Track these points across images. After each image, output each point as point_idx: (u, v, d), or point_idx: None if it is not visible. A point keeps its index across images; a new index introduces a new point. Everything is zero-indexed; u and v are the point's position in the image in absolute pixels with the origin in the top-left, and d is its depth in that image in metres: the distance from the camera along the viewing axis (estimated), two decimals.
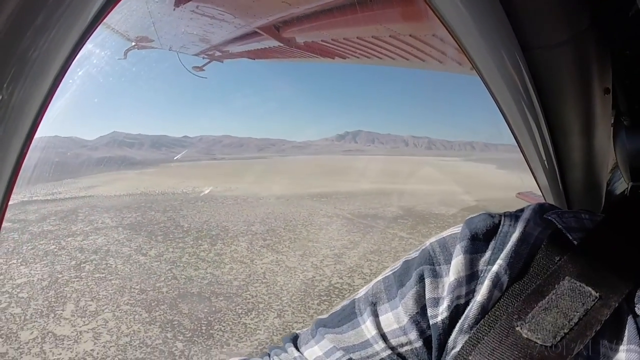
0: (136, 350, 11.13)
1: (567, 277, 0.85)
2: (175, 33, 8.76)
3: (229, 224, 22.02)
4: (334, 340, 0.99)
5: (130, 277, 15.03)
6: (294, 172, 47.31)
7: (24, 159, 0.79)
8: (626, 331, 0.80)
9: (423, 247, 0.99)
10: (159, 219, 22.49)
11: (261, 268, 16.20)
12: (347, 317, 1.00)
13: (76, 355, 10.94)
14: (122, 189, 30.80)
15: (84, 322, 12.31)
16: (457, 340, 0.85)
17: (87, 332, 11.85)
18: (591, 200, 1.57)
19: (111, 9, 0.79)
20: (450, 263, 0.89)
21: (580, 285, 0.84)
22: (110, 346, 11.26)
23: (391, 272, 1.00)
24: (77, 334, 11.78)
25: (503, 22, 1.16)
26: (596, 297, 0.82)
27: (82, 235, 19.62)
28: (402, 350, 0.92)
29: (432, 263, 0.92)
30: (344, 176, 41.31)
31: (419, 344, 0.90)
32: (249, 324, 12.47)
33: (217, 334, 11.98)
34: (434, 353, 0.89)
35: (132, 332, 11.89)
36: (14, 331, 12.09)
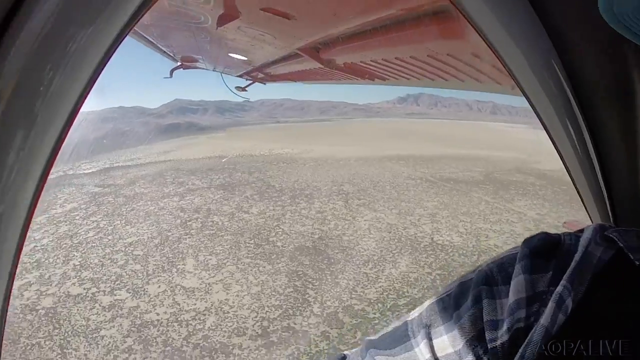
0: (270, 298, 11.83)
1: (630, 302, 0.81)
2: (219, 54, 8.94)
3: (319, 184, 22.53)
4: None
5: (241, 232, 15.80)
6: (363, 135, 47.16)
7: (64, 138, 0.87)
8: None
9: (479, 269, 0.99)
10: (248, 180, 23.23)
11: (364, 224, 16.73)
12: (399, 339, 0.98)
13: (212, 305, 11.74)
14: (198, 153, 31.79)
15: (209, 274, 13.13)
16: None
17: (216, 284, 12.65)
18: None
19: (148, 9, 0.84)
20: (509, 284, 0.87)
21: None
22: (244, 295, 12.02)
23: (446, 294, 0.98)
24: (206, 286, 12.59)
25: (537, 26, 1.17)
26: None
27: (177, 196, 20.59)
28: None
29: (490, 284, 0.90)
30: (414, 139, 41.02)
31: None
32: (369, 273, 13.08)
33: (343, 282, 12.58)
34: None
35: (260, 282, 12.61)
36: (140, 286, 13.03)
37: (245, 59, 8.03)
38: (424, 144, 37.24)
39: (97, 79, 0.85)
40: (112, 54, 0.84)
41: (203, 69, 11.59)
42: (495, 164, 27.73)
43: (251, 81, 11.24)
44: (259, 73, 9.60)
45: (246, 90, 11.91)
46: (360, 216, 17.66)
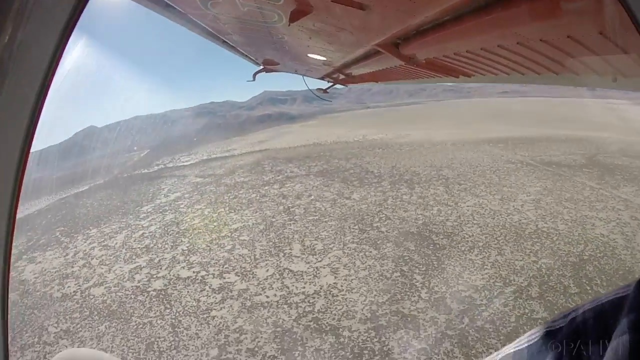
0: (378, 282, 11.96)
1: None
2: (298, 56, 8.79)
3: (417, 168, 22.46)
4: None
5: (345, 218, 16.08)
6: (457, 117, 46.37)
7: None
8: None
9: (573, 314, 0.77)
10: (346, 166, 23.57)
11: (467, 210, 16.50)
12: None
13: (320, 288, 12.02)
14: (292, 141, 32.63)
15: (316, 259, 13.46)
16: None
17: (324, 268, 12.95)
18: None
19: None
20: (606, 343, 0.66)
21: None
22: (352, 279, 12.20)
23: (526, 344, 0.82)
24: (314, 270, 12.92)
25: None
26: None
27: (277, 184, 21.29)
28: None
29: (578, 340, 0.71)
30: (509, 120, 39.87)
31: None
32: (475, 260, 12.91)
33: (449, 268, 12.49)
34: None
35: (368, 266, 12.77)
36: (249, 270, 13.56)
37: (325, 59, 7.99)
38: (521, 124, 36.26)
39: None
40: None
41: (284, 72, 11.78)
42: (598, 145, 26.58)
43: (332, 83, 11.30)
44: (339, 74, 9.57)
45: (327, 93, 12.04)
46: (462, 201, 17.45)
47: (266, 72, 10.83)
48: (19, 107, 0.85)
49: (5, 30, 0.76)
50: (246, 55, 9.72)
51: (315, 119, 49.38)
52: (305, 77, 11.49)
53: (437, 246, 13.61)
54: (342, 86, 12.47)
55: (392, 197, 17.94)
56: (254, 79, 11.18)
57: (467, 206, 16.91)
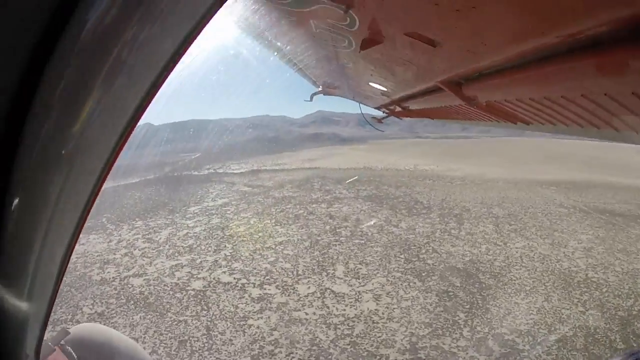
0: (420, 315, 11.84)
1: None
2: (359, 83, 8.80)
3: (467, 204, 22.18)
4: None
5: (391, 246, 16.01)
6: (509, 154, 45.64)
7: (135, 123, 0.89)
8: None
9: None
10: (395, 194, 23.49)
11: (516, 252, 16.17)
12: None
13: (361, 313, 11.97)
14: (343, 163, 32.78)
15: (359, 283, 13.42)
16: None
17: (366, 293, 12.90)
18: None
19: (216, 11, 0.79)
20: None
21: None
22: (394, 308, 12.11)
23: None
24: (356, 294, 12.88)
25: None
26: None
27: (325, 203, 21.38)
28: None
29: None
30: (564, 162, 38.98)
31: None
32: (521, 303, 12.64)
33: (494, 309, 12.24)
34: None
35: (411, 297, 12.65)
36: (290, 284, 13.62)
37: (385, 89, 7.98)
38: (576, 168, 35.36)
39: (167, 74, 0.87)
40: (183, 53, 0.85)
41: (342, 97, 11.84)
42: None
43: (387, 114, 11.28)
44: (396, 106, 9.52)
45: (382, 123, 12.04)
46: (511, 242, 17.12)
47: (324, 94, 10.95)
48: (126, 104, 0.91)
49: (129, 29, 0.79)
50: (307, 75, 9.84)
51: (366, 143, 49.48)
52: (361, 104, 11.55)
53: (483, 285, 13.39)
54: (398, 119, 12.50)
55: (440, 230, 17.76)
56: (311, 100, 11.28)
57: (516, 247, 16.61)
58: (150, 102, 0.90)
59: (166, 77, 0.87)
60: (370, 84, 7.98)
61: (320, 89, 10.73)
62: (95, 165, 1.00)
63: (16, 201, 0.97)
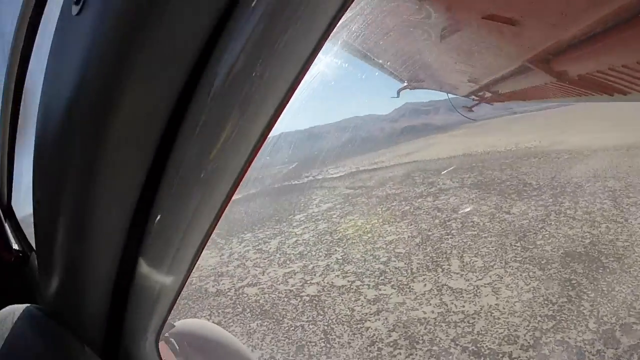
0: (543, 307, 11.33)
1: None
2: (444, 72, 8.37)
3: (579, 179, 20.84)
4: None
5: (505, 234, 15.47)
6: (616, 117, 42.26)
7: (272, 125, 0.92)
8: None
9: None
10: (501, 178, 22.64)
11: (639, 228, 14.98)
12: None
13: (481, 309, 11.69)
14: (441, 152, 32.20)
15: (476, 276, 13.10)
16: None
17: (485, 287, 12.57)
18: None
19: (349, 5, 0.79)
20: None
21: None
22: (514, 301, 11.72)
23: None
24: (474, 288, 12.59)
25: None
26: None
27: (431, 196, 21.07)
28: None
29: None
30: None
31: None
32: None
33: (620, 296, 11.37)
34: None
35: (532, 288, 12.15)
36: (405, 283, 13.56)
37: (470, 76, 7.76)
38: None
39: (305, 72, 0.88)
40: (319, 50, 0.85)
41: (429, 89, 11.61)
42: None
43: (477, 101, 10.93)
44: (485, 92, 9.22)
45: (473, 111, 11.70)
46: (632, 217, 15.78)
47: (411, 88, 10.85)
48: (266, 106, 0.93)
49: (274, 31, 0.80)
50: (389, 71, 9.83)
51: (460, 128, 47.95)
52: (449, 95, 11.38)
53: (607, 269, 12.52)
54: (489, 105, 12.15)
55: (554, 212, 16.90)
56: (398, 96, 11.20)
57: (639, 223, 15.43)
58: (276, 123, 0.94)
59: (291, 96, 0.91)
60: (455, 72, 7.90)
61: (405, 84, 10.65)
62: (224, 187, 1.08)
63: (159, 217, 1.06)
